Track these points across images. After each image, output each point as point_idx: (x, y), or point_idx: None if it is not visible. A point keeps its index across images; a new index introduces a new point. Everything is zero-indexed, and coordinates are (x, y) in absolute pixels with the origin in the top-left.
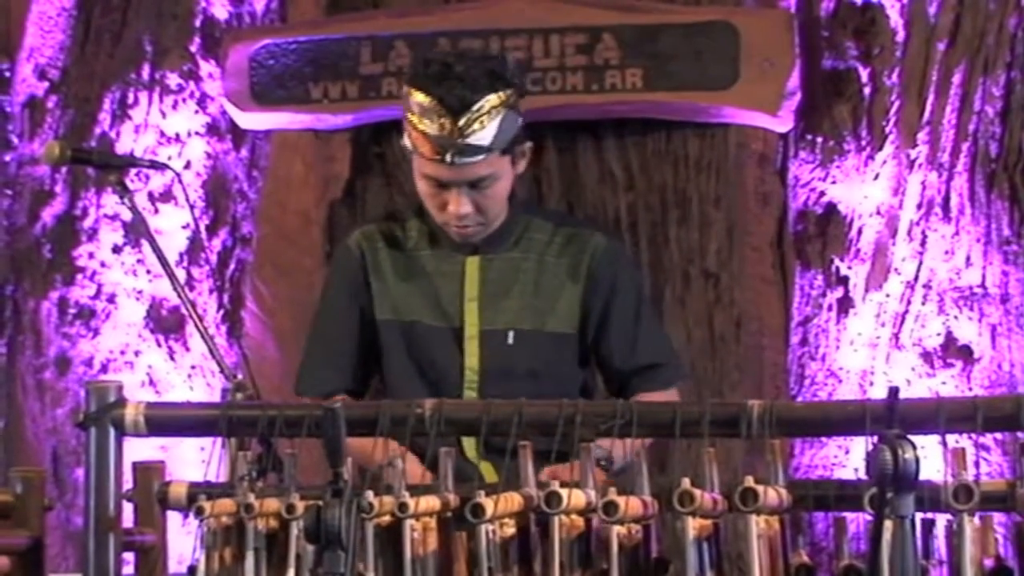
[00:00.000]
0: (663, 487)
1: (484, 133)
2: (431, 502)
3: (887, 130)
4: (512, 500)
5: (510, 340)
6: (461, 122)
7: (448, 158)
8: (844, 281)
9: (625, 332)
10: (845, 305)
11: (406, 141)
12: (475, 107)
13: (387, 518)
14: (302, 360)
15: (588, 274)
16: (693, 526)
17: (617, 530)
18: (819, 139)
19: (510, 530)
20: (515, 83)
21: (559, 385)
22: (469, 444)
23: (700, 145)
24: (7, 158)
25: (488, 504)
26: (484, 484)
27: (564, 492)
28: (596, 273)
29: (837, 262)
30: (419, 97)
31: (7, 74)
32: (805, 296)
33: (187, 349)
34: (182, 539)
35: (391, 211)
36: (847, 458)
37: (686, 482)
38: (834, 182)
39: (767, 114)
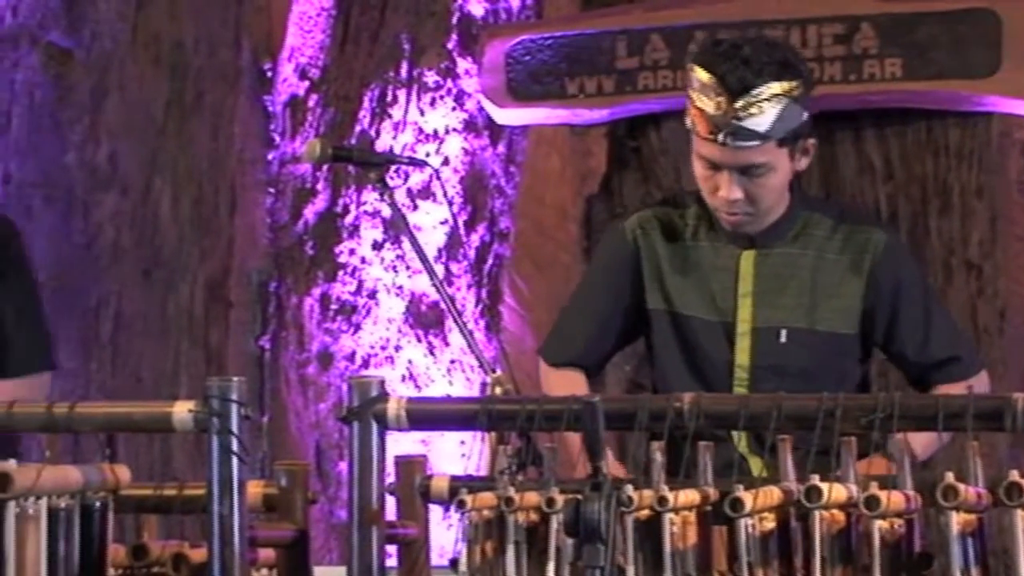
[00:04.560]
0: (926, 481)
1: (761, 119)
2: (690, 496)
3: None
4: (771, 494)
5: (783, 338)
6: (738, 104)
7: (720, 138)
8: None
9: (916, 328)
10: None
11: (687, 120)
12: (755, 91)
13: (646, 512)
14: (553, 325)
15: (870, 273)
16: (957, 521)
17: (879, 525)
18: None
19: (769, 524)
20: (804, 75)
21: (833, 385)
22: (740, 438)
23: (961, 134)
24: (270, 157)
25: (747, 498)
26: (744, 478)
27: (824, 486)
28: (879, 272)
29: None
30: (701, 74)
31: (269, 74)
32: None
33: (446, 344)
34: (443, 532)
35: (670, 196)
36: None
37: (950, 476)
38: None
39: None
